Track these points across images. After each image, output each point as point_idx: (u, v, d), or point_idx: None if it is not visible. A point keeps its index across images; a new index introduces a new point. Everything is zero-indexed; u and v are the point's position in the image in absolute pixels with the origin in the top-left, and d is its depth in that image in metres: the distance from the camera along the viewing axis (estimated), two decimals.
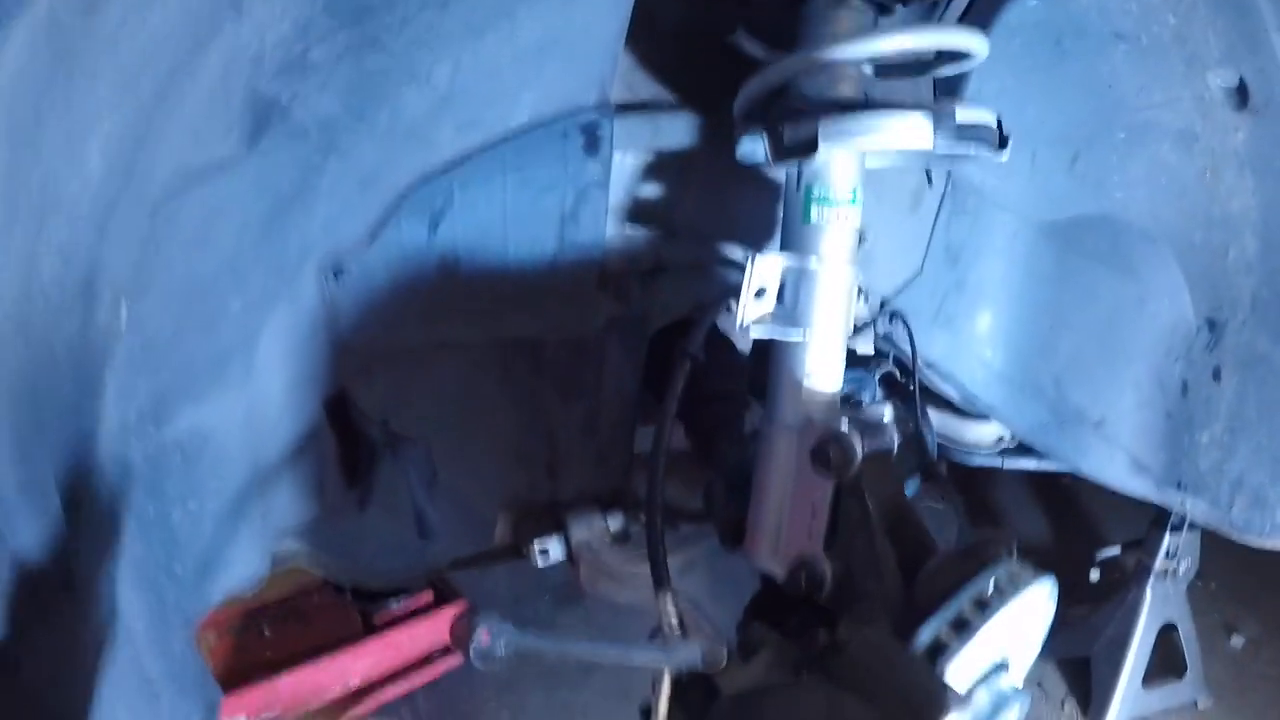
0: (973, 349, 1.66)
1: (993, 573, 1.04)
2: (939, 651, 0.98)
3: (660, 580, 1.08)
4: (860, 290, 1.25)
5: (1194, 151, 1.37)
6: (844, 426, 1.07)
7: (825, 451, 1.07)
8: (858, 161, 1.09)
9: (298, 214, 1.05)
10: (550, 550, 1.45)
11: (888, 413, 1.16)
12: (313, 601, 2.38)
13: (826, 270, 1.09)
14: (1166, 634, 2.50)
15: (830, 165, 1.08)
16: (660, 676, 1.01)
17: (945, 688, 0.92)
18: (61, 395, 0.74)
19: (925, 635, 0.99)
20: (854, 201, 1.11)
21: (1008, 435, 1.96)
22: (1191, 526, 2.33)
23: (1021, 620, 1.06)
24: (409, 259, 1.16)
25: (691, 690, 1.03)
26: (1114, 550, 2.47)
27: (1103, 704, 2.46)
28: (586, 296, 1.28)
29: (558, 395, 1.36)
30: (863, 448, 1.06)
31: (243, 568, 1.16)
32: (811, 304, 1.10)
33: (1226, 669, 2.71)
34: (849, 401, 1.35)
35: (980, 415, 1.92)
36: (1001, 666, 1.08)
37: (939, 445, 1.93)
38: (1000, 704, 1.03)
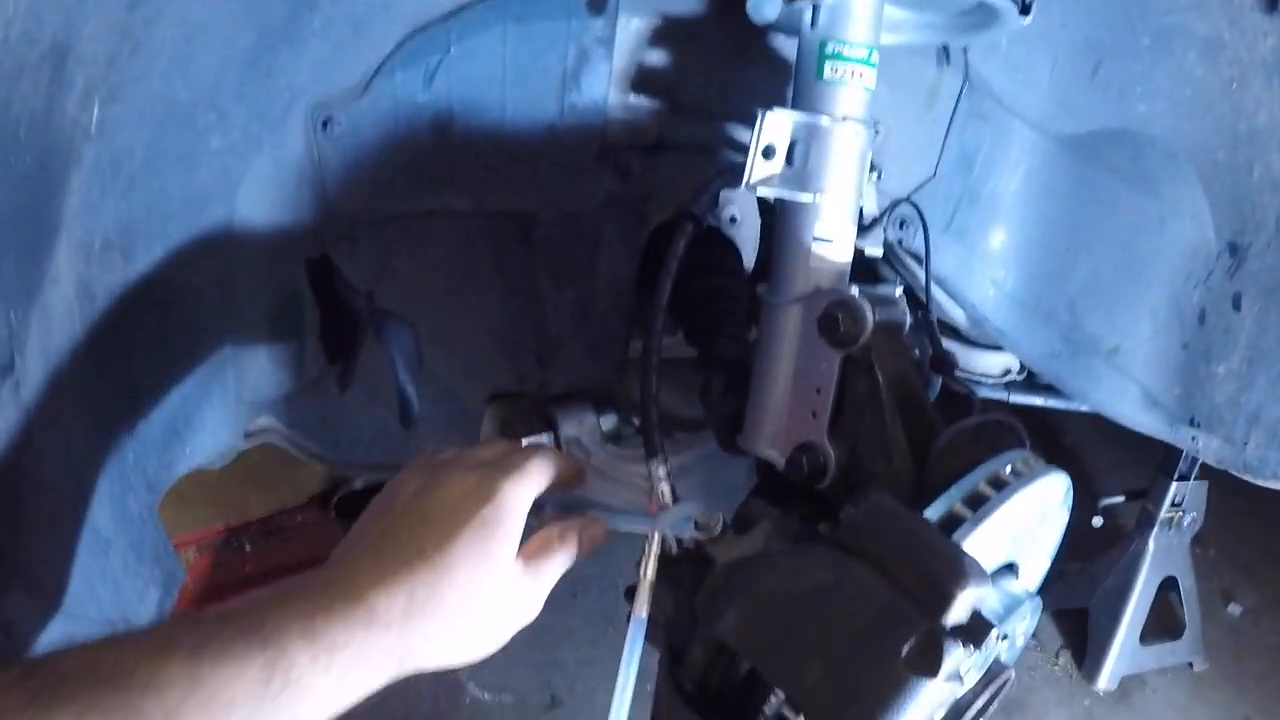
0: (985, 267, 1.60)
1: (1008, 457, 0.98)
2: (952, 526, 0.91)
3: (652, 446, 1.02)
4: (874, 168, 1.18)
5: (1220, 61, 1.31)
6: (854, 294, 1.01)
7: (834, 319, 1.00)
8: (874, 12, 1.03)
9: (286, 54, 0.99)
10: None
11: (898, 289, 1.11)
12: (295, 520, 2.34)
13: (839, 130, 1.03)
14: (1164, 593, 2.46)
15: (847, 12, 1.01)
16: (647, 546, 0.95)
17: (964, 554, 0.85)
18: (19, 168, 0.69)
19: (938, 509, 0.92)
20: (869, 62, 1.04)
21: (1016, 367, 1.91)
22: (1199, 477, 2.29)
23: (1035, 516, 1.00)
24: (401, 114, 1.10)
25: (682, 565, 0.96)
26: (1118, 498, 2.42)
27: (1099, 657, 2.42)
28: (585, 168, 1.22)
29: (550, 277, 1.30)
30: (873, 317, 1.00)
31: (212, 438, 1.11)
32: (822, 165, 1.03)
33: (1224, 636, 2.68)
34: None
35: (988, 344, 1.87)
36: (1011, 568, 1.03)
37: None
38: (1012, 606, 0.96)
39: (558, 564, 0.84)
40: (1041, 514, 1.02)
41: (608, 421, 1.42)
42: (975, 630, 0.82)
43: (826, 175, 1.04)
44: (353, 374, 1.22)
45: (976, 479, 0.94)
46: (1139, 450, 2.46)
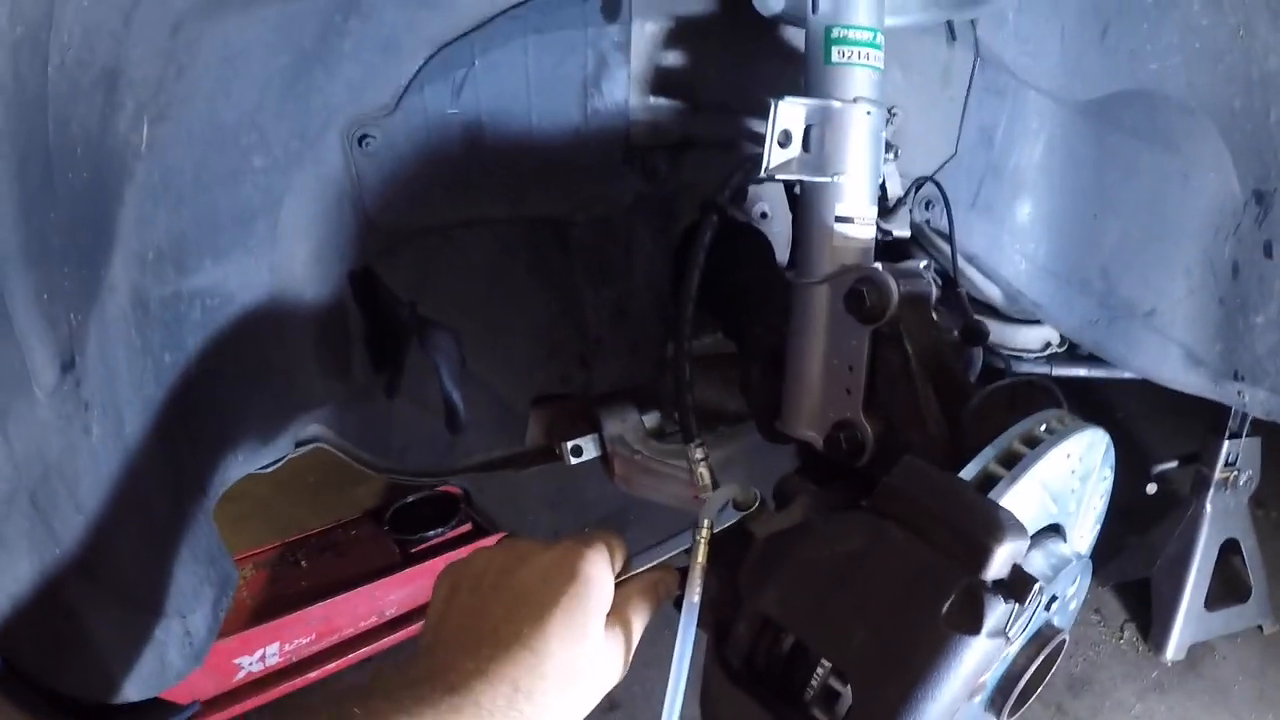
0: (1015, 241, 1.61)
1: (1043, 416, 0.99)
2: (988, 485, 0.91)
3: (688, 430, 1.05)
4: (890, 147, 1.21)
5: (1225, 8, 1.31)
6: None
7: (859, 294, 1.03)
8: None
9: (320, 75, 1.05)
10: (584, 448, 1.44)
11: (924, 263, 1.12)
12: (350, 534, 2.39)
13: (852, 111, 1.06)
14: (1227, 557, 2.42)
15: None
16: (695, 533, 0.96)
17: (999, 508, 0.84)
18: (77, 183, 0.75)
19: (972, 469, 0.92)
20: (875, 44, 1.08)
21: (1056, 339, 1.90)
22: (1250, 434, 2.27)
23: (1076, 475, 0.99)
24: (433, 128, 1.15)
25: (726, 547, 0.97)
26: (1171, 464, 2.39)
27: (1165, 627, 2.40)
28: (613, 171, 1.26)
29: (587, 280, 1.33)
30: (899, 290, 1.02)
31: (264, 444, 1.17)
32: (838, 146, 1.06)
33: None
34: None
35: (1026, 319, 1.87)
36: (1056, 529, 1.03)
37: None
38: (1059, 566, 0.94)
39: (640, 624, 0.89)
40: (1083, 473, 1.01)
41: (651, 419, 1.45)
42: (1017, 585, 0.81)
43: (843, 156, 1.07)
44: (399, 382, 1.26)
45: (1010, 438, 0.95)
46: (1192, 421, 2.43)
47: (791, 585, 0.88)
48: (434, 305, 1.24)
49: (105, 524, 0.83)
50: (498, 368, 1.37)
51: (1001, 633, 0.81)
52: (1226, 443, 2.23)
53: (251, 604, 2.22)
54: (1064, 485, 0.99)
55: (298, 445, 1.24)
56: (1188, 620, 2.38)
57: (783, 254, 1.51)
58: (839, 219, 1.08)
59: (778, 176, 1.07)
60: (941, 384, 1.05)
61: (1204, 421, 2.37)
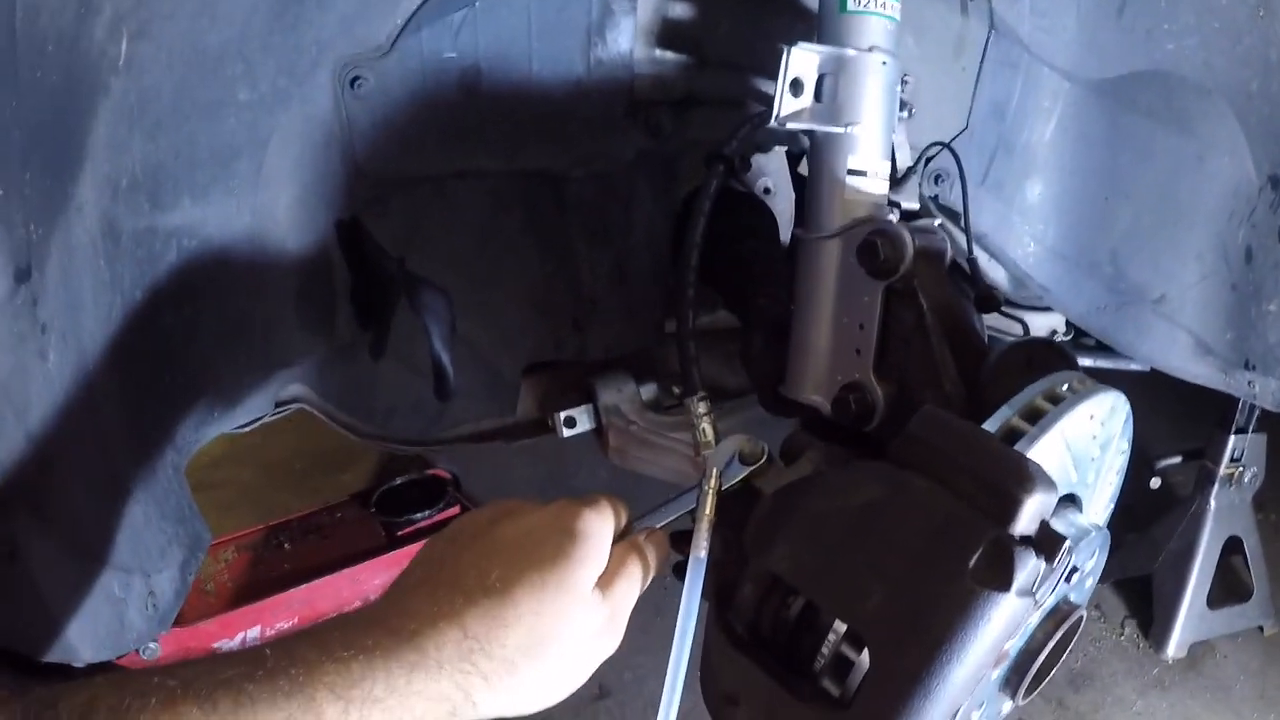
0: (1024, 222, 1.57)
1: (1064, 376, 0.94)
2: (1011, 439, 0.86)
3: (691, 383, 1.00)
4: (904, 105, 1.17)
5: None
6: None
7: (873, 247, 0.98)
8: None
9: (312, 7, 0.99)
10: (577, 419, 1.39)
11: (937, 221, 1.09)
12: (335, 516, 2.35)
13: (867, 60, 1.02)
14: (1229, 557, 2.41)
15: None
16: (702, 483, 0.91)
17: (1028, 459, 0.79)
18: (46, 84, 0.70)
19: (994, 423, 0.88)
20: None
21: (1062, 327, 1.87)
22: (1257, 429, 2.25)
23: (1096, 441, 0.95)
24: (429, 72, 1.10)
25: (730, 506, 0.91)
26: (1175, 459, 2.37)
27: (1166, 625, 2.38)
28: (614, 125, 1.21)
29: (584, 238, 1.28)
30: (913, 243, 0.98)
31: (240, 401, 1.10)
32: (852, 96, 1.02)
33: None
34: None
35: (1032, 305, 1.83)
36: (1074, 502, 0.98)
37: (989, 338, 1.85)
38: (1079, 537, 0.89)
39: (635, 585, 0.79)
40: (1104, 440, 0.97)
41: (648, 390, 1.41)
42: (1046, 541, 0.76)
43: (857, 106, 1.03)
44: (385, 342, 1.20)
45: (1033, 394, 0.91)
46: (1198, 417, 2.41)
47: (802, 540, 0.82)
48: (422, 261, 1.18)
49: (57, 458, 0.77)
50: (489, 330, 1.31)
51: (1030, 593, 0.76)
52: (1232, 438, 2.22)
53: (233, 586, 2.16)
54: (1085, 450, 0.95)
55: (278, 406, 1.18)
56: (1189, 618, 2.37)
57: (786, 231, 1.47)
58: (851, 172, 1.04)
59: (789, 126, 1.02)
60: (957, 342, 1.00)
61: (1209, 417, 2.36)
